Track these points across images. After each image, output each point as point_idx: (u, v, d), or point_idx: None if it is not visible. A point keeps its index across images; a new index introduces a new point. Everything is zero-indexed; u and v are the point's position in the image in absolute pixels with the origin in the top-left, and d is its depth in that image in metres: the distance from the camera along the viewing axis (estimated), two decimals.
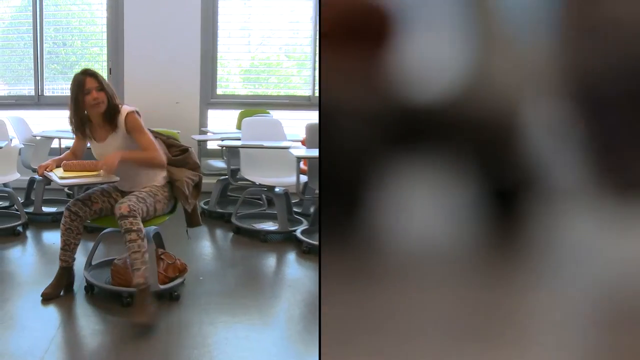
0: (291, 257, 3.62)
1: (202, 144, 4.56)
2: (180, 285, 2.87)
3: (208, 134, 4.88)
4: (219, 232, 4.06)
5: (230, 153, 4.16)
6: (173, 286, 2.79)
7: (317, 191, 3.51)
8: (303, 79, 5.46)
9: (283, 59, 5.57)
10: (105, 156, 2.66)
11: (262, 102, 5.32)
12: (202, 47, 5.13)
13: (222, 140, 4.24)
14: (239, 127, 4.66)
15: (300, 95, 5.37)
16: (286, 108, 5.25)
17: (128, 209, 2.49)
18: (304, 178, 3.83)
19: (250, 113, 4.83)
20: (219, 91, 5.32)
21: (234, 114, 5.11)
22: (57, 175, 2.65)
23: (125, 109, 2.67)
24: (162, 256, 2.84)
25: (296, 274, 3.40)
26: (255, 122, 4.38)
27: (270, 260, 3.63)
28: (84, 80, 2.61)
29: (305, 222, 3.94)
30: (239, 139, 4.16)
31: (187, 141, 3.07)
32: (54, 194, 4.47)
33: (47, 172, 2.70)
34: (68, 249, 2.77)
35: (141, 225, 2.50)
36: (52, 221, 4.05)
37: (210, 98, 5.26)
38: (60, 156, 2.85)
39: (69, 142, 4.17)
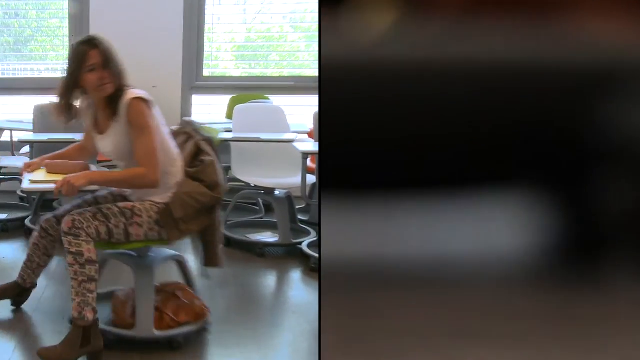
0: (295, 275, 3.58)
1: None
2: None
3: None
4: None
5: (219, 148, 4.12)
6: (174, 334, 2.61)
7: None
8: (312, 55, 5.42)
9: (288, 31, 5.53)
10: (106, 152, 2.58)
11: (259, 85, 5.27)
12: (185, 18, 5.09)
13: None
14: (229, 116, 4.63)
15: (308, 75, 5.32)
16: (290, 92, 5.19)
17: (70, 225, 2.39)
18: (311, 178, 3.80)
19: (244, 99, 4.79)
20: (206, 72, 5.28)
21: (224, 100, 5.07)
22: (31, 178, 2.57)
23: (131, 93, 2.45)
24: (177, 292, 2.70)
25: (302, 298, 3.35)
26: (251, 110, 4.33)
27: (270, 280, 3.59)
28: (85, 53, 2.42)
29: (313, 232, 3.90)
30: (230, 131, 4.13)
31: None
32: (4, 198, 4.44)
33: (28, 172, 2.63)
34: (28, 267, 2.76)
35: (83, 248, 2.38)
36: (1, 230, 4.02)
37: (194, 81, 5.21)
38: (61, 151, 2.75)
39: (22, 135, 4.15)
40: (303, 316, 3.03)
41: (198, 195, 2.55)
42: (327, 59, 1.80)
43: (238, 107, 4.31)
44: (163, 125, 2.56)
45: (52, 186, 2.44)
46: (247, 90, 5.17)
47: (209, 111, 5.25)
